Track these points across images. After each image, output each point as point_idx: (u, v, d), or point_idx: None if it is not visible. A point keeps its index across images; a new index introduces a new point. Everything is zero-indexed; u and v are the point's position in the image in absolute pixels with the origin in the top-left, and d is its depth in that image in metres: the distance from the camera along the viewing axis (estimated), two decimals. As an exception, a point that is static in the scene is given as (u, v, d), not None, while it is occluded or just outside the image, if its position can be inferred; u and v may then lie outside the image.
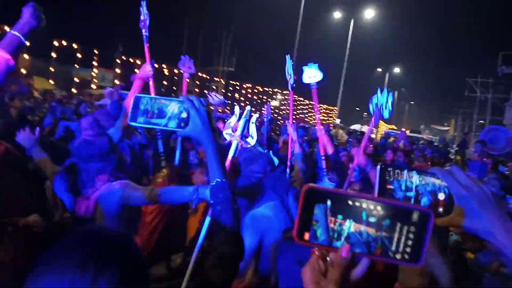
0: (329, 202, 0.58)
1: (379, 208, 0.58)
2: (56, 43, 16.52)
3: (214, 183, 1.08)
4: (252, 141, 2.69)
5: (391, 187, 0.67)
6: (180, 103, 0.95)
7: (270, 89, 28.11)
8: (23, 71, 14.55)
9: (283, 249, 1.09)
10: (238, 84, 25.32)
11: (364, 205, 0.58)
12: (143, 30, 3.32)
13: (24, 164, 3.85)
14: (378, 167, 0.68)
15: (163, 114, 0.93)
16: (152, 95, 1.00)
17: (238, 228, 1.09)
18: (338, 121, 26.00)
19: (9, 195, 3.33)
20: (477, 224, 0.65)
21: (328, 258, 0.61)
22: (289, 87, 4.05)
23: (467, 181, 0.67)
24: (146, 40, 3.38)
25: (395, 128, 31.85)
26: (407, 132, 20.38)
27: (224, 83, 25.07)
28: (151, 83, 3.23)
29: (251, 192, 2.44)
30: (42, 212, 3.52)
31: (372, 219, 0.58)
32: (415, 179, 0.68)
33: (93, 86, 16.76)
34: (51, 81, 15.02)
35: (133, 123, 0.94)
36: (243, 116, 2.63)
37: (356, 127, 24.88)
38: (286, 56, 3.87)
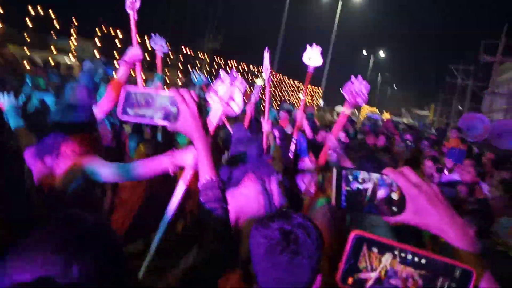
0: (377, 251, 0.60)
1: (423, 261, 0.60)
2: (31, 11, 15.71)
3: (204, 182, 1.06)
4: (236, 107, 2.64)
5: (348, 188, 0.69)
6: (170, 97, 0.94)
7: (255, 67, 27.78)
8: (-4, 39, 13.83)
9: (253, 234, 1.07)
10: (223, 61, 24.89)
11: (410, 257, 0.60)
12: (131, 13, 3.08)
13: (5, 142, 3.74)
14: (334, 170, 0.70)
15: (153, 108, 0.93)
16: (141, 86, 0.95)
17: (227, 226, 1.07)
18: (321, 102, 26.07)
19: None
20: (428, 221, 0.69)
21: None
22: (265, 81, 3.93)
23: (417, 179, 0.70)
24: (134, 23, 3.14)
25: (377, 111, 32.27)
26: (388, 115, 20.69)
27: (208, 60, 24.57)
28: (138, 66, 3.08)
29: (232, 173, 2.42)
30: (20, 197, 3.46)
31: (415, 272, 0.60)
32: (370, 179, 0.70)
33: (72, 58, 16.11)
34: (27, 51, 14.33)
35: (123, 117, 0.93)
36: (226, 80, 2.57)
37: (339, 108, 25.03)
38: (265, 51, 3.73)
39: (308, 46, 3.89)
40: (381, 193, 0.70)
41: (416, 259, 0.61)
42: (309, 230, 1.03)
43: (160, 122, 0.95)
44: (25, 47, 14.31)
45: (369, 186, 0.69)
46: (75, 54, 17.75)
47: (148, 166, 1.87)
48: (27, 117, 4.02)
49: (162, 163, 1.75)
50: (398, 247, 0.61)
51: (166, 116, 0.94)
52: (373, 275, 0.61)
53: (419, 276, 0.60)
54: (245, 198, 2.11)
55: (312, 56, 3.92)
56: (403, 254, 0.61)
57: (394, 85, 52.50)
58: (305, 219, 1.05)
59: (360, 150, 4.16)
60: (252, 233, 1.06)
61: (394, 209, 0.69)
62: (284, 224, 1.03)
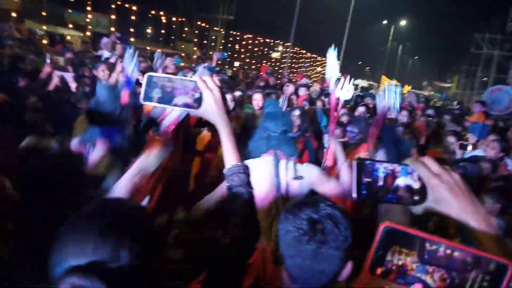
0: (406, 241, 0.60)
1: (456, 253, 0.59)
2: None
3: (230, 167, 1.06)
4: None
5: (368, 179, 0.70)
6: (193, 83, 0.94)
7: (271, 40, 27.20)
8: (14, 14, 13.91)
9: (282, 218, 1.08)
10: (238, 34, 24.42)
11: (442, 249, 0.60)
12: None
13: (21, 114, 3.81)
14: (354, 162, 0.71)
15: (176, 93, 0.93)
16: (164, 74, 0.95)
17: (253, 210, 1.09)
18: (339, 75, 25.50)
19: (3, 146, 3.34)
20: (449, 209, 0.70)
21: None
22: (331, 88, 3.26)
23: (437, 169, 0.72)
24: None
25: (397, 83, 31.39)
26: (409, 88, 20.11)
27: (223, 32, 24.16)
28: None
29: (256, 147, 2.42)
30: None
31: (447, 263, 0.59)
32: (391, 170, 0.71)
33: (88, 33, 16.11)
34: (44, 26, 14.39)
35: (145, 102, 0.92)
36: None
37: (358, 82, 24.46)
38: (330, 48, 3.21)
39: (342, 77, 3.65)
40: (402, 182, 0.70)
41: (448, 251, 0.60)
42: (337, 219, 1.02)
43: (183, 108, 0.95)
44: (43, 25, 14.35)
45: (389, 176, 0.71)
46: (90, 28, 17.76)
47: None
48: (47, 95, 4.09)
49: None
50: (429, 239, 0.60)
51: (189, 102, 0.94)
52: (402, 267, 0.61)
53: (449, 269, 0.59)
54: (258, 175, 2.10)
55: (346, 89, 3.74)
56: (434, 246, 0.60)
57: (415, 56, 50.71)
58: (334, 208, 1.04)
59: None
60: (280, 220, 1.07)
61: (416, 198, 0.70)
62: (312, 213, 1.03)
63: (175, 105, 0.94)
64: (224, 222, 1.06)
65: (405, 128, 4.76)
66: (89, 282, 0.69)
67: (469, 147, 4.81)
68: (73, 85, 4.35)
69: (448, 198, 0.70)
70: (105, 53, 6.15)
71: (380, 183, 0.70)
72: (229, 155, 1.07)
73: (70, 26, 17.26)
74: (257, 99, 4.52)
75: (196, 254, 1.12)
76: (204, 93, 0.95)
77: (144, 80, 0.92)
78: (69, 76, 4.51)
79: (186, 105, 0.94)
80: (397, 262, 0.61)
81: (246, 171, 1.07)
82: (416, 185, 0.71)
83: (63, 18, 17.73)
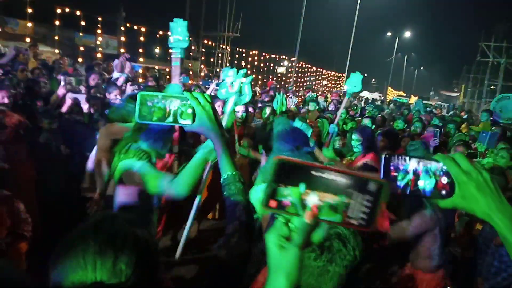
0: (296, 172, 0.64)
1: (340, 178, 0.64)
2: (59, 10, 16.16)
3: (225, 176, 1.10)
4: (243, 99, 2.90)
5: (396, 174, 0.72)
6: (184, 100, 0.98)
7: (277, 55, 27.53)
8: (28, 39, 14.33)
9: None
10: (244, 51, 24.79)
11: (327, 176, 0.64)
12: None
13: (36, 135, 3.91)
14: (383, 156, 0.73)
15: (169, 111, 0.96)
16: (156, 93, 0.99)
17: (251, 217, 1.11)
18: (345, 87, 25.57)
19: (18, 165, 3.44)
20: (475, 206, 0.71)
21: (291, 224, 0.67)
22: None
23: (468, 166, 0.72)
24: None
25: (404, 94, 31.32)
26: (416, 99, 20.06)
27: (229, 50, 24.54)
28: None
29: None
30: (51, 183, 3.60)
31: (333, 188, 0.64)
32: (419, 164, 0.73)
33: (98, 55, 16.52)
34: (56, 50, 14.82)
35: (141, 121, 0.96)
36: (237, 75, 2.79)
37: (364, 94, 24.49)
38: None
39: (351, 73, 3.75)
40: (430, 177, 0.72)
41: (332, 176, 0.64)
42: (346, 239, 1.02)
43: (177, 124, 0.98)
44: (55, 49, 14.77)
45: (417, 170, 0.72)
46: (101, 50, 18.19)
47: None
48: (60, 116, 4.20)
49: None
50: (315, 167, 0.64)
51: (183, 118, 0.98)
52: (294, 195, 0.64)
53: (336, 191, 0.64)
54: None
55: (356, 83, 3.82)
56: (320, 173, 0.64)
57: (421, 67, 50.67)
58: (344, 228, 1.04)
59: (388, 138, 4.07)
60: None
61: (443, 193, 0.72)
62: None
63: (170, 122, 0.97)
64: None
65: (412, 139, 4.76)
66: None
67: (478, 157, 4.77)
68: (85, 106, 4.41)
69: (476, 195, 0.70)
70: (115, 74, 6.29)
71: (408, 177, 0.72)
72: (225, 165, 1.10)
73: (82, 49, 17.71)
74: (268, 113, 4.82)
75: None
76: (196, 109, 0.99)
77: (137, 100, 0.95)
78: (81, 98, 4.58)
79: (181, 122, 0.98)
80: (290, 193, 0.64)
81: (241, 179, 1.10)
82: (444, 180, 0.72)
83: (74, 41, 18.18)
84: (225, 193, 1.11)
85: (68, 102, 4.26)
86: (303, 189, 0.64)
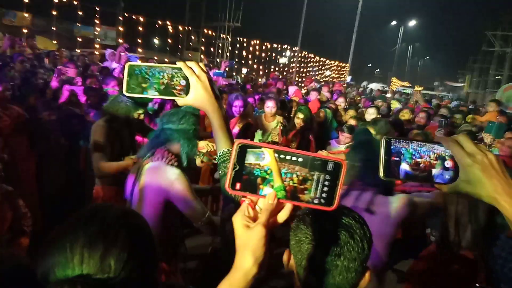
0: (258, 155, 0.66)
1: (300, 159, 0.66)
2: (56, 0, 15.97)
3: (221, 153, 1.03)
4: None
5: (397, 158, 0.70)
6: (177, 70, 0.89)
7: (278, 45, 27.19)
8: (25, 30, 14.20)
9: None
10: (245, 40, 24.45)
11: (288, 157, 0.66)
12: None
13: (35, 128, 3.85)
14: (383, 140, 0.71)
15: (161, 82, 0.87)
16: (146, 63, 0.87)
17: None
18: (349, 78, 25.29)
19: (19, 158, 3.40)
20: (481, 190, 0.68)
21: (257, 206, 0.69)
22: None
23: (472, 148, 0.69)
24: None
25: (408, 84, 30.96)
26: (420, 89, 19.76)
27: (230, 40, 24.24)
28: None
29: None
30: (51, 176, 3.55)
31: (294, 169, 0.66)
32: (421, 148, 0.71)
33: (96, 45, 16.34)
34: (54, 41, 14.67)
35: (128, 94, 0.86)
36: None
37: (371, 85, 24.18)
38: None
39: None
40: (432, 161, 0.70)
41: (293, 158, 0.66)
42: (352, 230, 0.96)
43: (170, 97, 0.89)
44: (53, 40, 14.63)
45: (419, 154, 0.70)
46: (99, 41, 18.02)
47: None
48: (58, 108, 4.11)
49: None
50: (276, 149, 0.66)
51: (175, 90, 0.89)
52: (257, 178, 0.66)
53: (297, 172, 0.66)
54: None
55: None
56: (282, 155, 0.66)
57: (425, 56, 50.11)
58: (350, 218, 0.98)
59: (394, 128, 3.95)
60: (293, 228, 1.01)
61: (447, 177, 0.70)
62: (326, 223, 0.97)
63: (161, 94, 0.88)
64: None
65: (419, 129, 4.61)
66: None
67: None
68: (82, 98, 4.38)
69: (481, 178, 0.67)
70: (113, 64, 6.22)
71: (409, 161, 0.70)
72: (221, 141, 1.04)
73: (79, 39, 17.56)
74: (270, 106, 4.54)
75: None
76: (191, 80, 0.89)
77: (125, 71, 0.86)
78: (78, 89, 4.55)
79: (172, 93, 0.88)
80: (252, 175, 0.66)
81: None
82: (447, 164, 0.70)
83: (72, 33, 18.05)
84: (220, 172, 1.04)
85: (65, 94, 4.21)
86: (266, 170, 0.65)
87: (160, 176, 1.90)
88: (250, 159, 0.65)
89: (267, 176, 0.66)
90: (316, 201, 0.67)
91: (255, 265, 0.65)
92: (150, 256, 0.80)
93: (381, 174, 0.69)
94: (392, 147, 0.70)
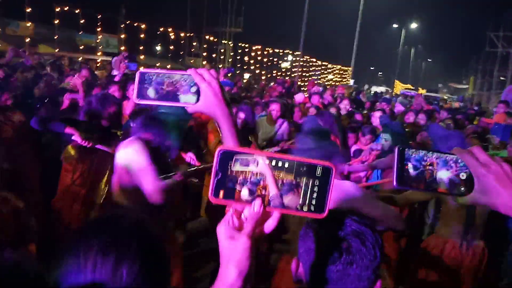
0: (241, 161, 0.63)
1: (286, 164, 0.63)
2: (57, 9, 16.08)
3: None
4: None
5: (410, 167, 0.68)
6: (187, 77, 0.89)
7: (280, 50, 27.20)
8: (27, 39, 14.29)
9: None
10: (247, 46, 24.47)
11: (273, 163, 0.63)
12: None
13: (38, 136, 3.83)
14: (396, 149, 0.70)
15: (171, 89, 0.88)
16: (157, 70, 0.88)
17: None
18: (351, 82, 25.22)
19: (23, 166, 3.38)
20: (496, 200, 0.66)
21: (242, 215, 0.66)
22: None
23: (486, 159, 0.68)
24: None
25: (411, 87, 30.83)
26: (423, 92, 19.69)
27: (232, 45, 24.27)
28: None
29: None
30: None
31: (281, 176, 0.63)
32: (435, 158, 0.69)
33: (98, 53, 16.41)
34: (57, 50, 14.76)
35: (139, 101, 0.87)
36: None
37: (373, 88, 24.08)
38: None
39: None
40: (446, 172, 0.69)
41: (279, 163, 0.63)
42: (364, 237, 0.92)
43: (180, 104, 0.89)
44: (56, 49, 14.72)
45: (434, 164, 0.69)
46: (100, 48, 18.10)
47: None
48: (61, 114, 4.10)
49: None
50: (261, 155, 0.63)
51: (186, 97, 0.89)
52: (241, 185, 0.63)
53: (283, 178, 0.63)
54: None
55: None
56: (266, 161, 0.63)
57: (428, 59, 49.98)
58: (361, 224, 0.95)
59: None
60: (301, 236, 0.98)
61: (461, 188, 0.69)
62: (337, 231, 0.93)
63: (171, 101, 0.88)
64: None
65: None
66: None
67: (491, 149, 4.56)
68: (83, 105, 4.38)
69: (496, 189, 0.66)
70: (114, 72, 6.26)
71: (424, 171, 0.68)
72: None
73: (81, 47, 17.66)
74: (275, 109, 4.50)
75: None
76: (201, 87, 0.89)
77: (136, 78, 0.87)
78: (79, 97, 4.55)
79: (183, 101, 0.89)
80: (236, 182, 0.63)
81: None
82: (462, 176, 0.69)
83: (74, 41, 18.17)
84: None
85: (66, 102, 4.23)
86: (253, 177, 0.63)
87: None
88: (237, 165, 0.63)
89: (252, 184, 0.63)
90: (305, 208, 0.64)
91: (239, 278, 0.62)
92: (162, 268, 0.80)
93: (394, 182, 0.68)
94: (406, 156, 0.69)
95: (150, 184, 2.11)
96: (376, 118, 4.89)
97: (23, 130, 3.52)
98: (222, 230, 0.65)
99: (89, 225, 0.81)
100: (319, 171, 0.63)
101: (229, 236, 0.64)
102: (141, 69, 0.89)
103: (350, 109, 6.20)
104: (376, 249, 0.92)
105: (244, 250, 0.62)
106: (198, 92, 0.89)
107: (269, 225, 0.66)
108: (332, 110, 5.84)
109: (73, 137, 2.97)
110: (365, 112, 6.83)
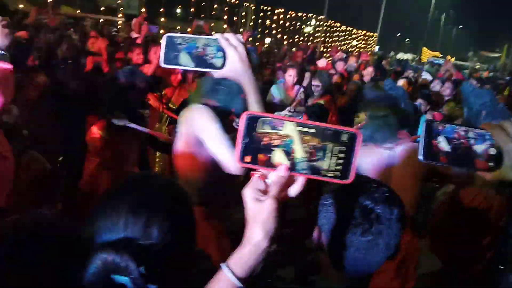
0: (268, 126, 0.63)
1: (313, 130, 0.63)
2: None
3: None
4: None
5: (438, 141, 0.68)
6: (214, 41, 0.90)
7: (304, 14, 26.23)
8: (49, 0, 14.26)
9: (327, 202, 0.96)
10: (269, 9, 23.68)
11: (299, 128, 0.63)
12: None
13: (65, 95, 3.90)
14: (425, 122, 0.69)
15: (198, 53, 0.89)
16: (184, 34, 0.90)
17: None
18: (377, 48, 24.27)
19: (48, 126, 3.46)
20: None
21: (267, 179, 0.67)
22: None
23: None
24: None
25: (440, 55, 29.45)
26: (452, 60, 18.79)
27: (254, 8, 23.55)
28: None
29: None
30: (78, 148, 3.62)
31: (306, 141, 0.63)
32: (464, 133, 0.68)
33: (119, 15, 16.28)
34: (78, 11, 14.72)
35: (166, 65, 0.89)
36: None
37: (400, 56, 23.17)
38: None
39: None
40: (475, 147, 0.68)
41: (306, 129, 0.63)
42: (392, 205, 0.90)
43: (206, 69, 0.91)
44: (78, 10, 14.67)
45: (462, 139, 0.68)
46: (122, 10, 17.93)
47: None
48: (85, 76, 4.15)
49: None
50: (288, 120, 0.63)
51: (212, 62, 0.90)
52: (267, 149, 0.64)
53: (309, 144, 0.63)
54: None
55: None
56: (292, 127, 0.63)
57: (460, 25, 47.26)
58: (387, 192, 0.92)
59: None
60: (323, 205, 0.96)
61: (490, 164, 0.68)
62: (364, 200, 0.90)
63: (198, 66, 0.90)
64: None
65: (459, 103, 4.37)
66: (119, 259, 0.69)
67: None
68: (105, 69, 4.42)
69: None
70: (133, 34, 6.19)
71: (452, 146, 0.68)
72: None
73: (102, 9, 17.55)
74: (292, 74, 4.40)
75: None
76: (227, 51, 0.90)
77: (163, 42, 0.88)
78: (101, 60, 4.57)
79: (209, 66, 0.90)
80: (262, 147, 0.64)
81: None
82: (491, 151, 0.68)
83: (95, 2, 18.04)
84: None
85: (89, 65, 4.31)
86: (281, 142, 0.63)
87: None
88: (263, 130, 0.63)
89: (279, 148, 0.64)
90: (330, 174, 0.64)
91: (265, 238, 0.64)
92: (190, 227, 0.84)
93: (420, 156, 0.68)
94: (434, 130, 0.68)
95: (228, 153, 1.88)
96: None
97: (47, 91, 3.53)
98: (248, 192, 0.66)
99: (119, 185, 0.83)
100: (344, 137, 0.63)
101: (255, 198, 0.65)
102: (169, 33, 0.89)
103: (373, 76, 6.02)
104: (403, 216, 0.91)
105: (270, 211, 0.64)
106: (224, 57, 0.90)
107: (294, 189, 0.67)
108: (355, 78, 5.70)
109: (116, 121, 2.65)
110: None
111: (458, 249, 2.43)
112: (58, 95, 3.70)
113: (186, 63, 0.88)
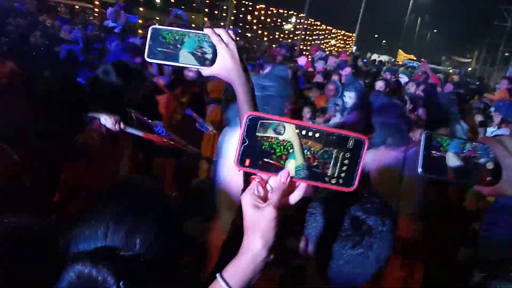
0: (270, 129, 0.60)
1: (316, 134, 0.60)
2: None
3: None
4: None
5: (437, 154, 0.67)
6: (204, 37, 0.83)
7: (284, 10, 26.27)
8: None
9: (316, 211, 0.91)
10: (250, 4, 23.57)
11: (302, 132, 0.60)
12: None
13: (34, 87, 3.71)
14: (424, 135, 0.68)
15: (185, 49, 0.83)
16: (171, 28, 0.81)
17: None
18: (354, 48, 24.64)
19: (14, 122, 3.29)
20: None
21: (267, 184, 0.64)
22: None
23: None
24: None
25: (414, 58, 30.27)
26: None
27: (235, 2, 23.36)
28: None
29: None
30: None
31: (310, 146, 0.60)
32: (462, 147, 0.68)
33: (96, 2, 15.72)
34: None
35: (150, 60, 0.82)
36: None
37: (374, 57, 23.59)
38: None
39: None
40: (474, 160, 0.68)
41: (309, 133, 0.60)
42: (384, 217, 0.86)
43: (194, 66, 0.84)
44: None
45: (462, 153, 0.68)
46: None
47: None
48: (59, 69, 3.98)
49: None
50: (290, 123, 0.60)
51: (201, 59, 0.84)
52: (268, 153, 0.61)
53: (314, 149, 0.61)
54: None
55: None
56: (296, 130, 0.60)
57: (434, 29, 48.73)
58: (379, 203, 0.88)
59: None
60: (311, 214, 0.91)
61: (489, 178, 0.68)
62: (356, 210, 0.86)
63: (185, 62, 0.83)
64: None
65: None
66: (96, 272, 0.62)
67: (492, 126, 4.56)
68: (81, 57, 4.28)
69: None
70: (110, 23, 5.99)
71: (450, 159, 0.67)
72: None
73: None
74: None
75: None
76: (218, 48, 0.83)
77: (148, 34, 0.81)
78: (77, 48, 4.41)
79: (197, 62, 0.83)
80: (263, 151, 0.61)
81: None
82: (490, 165, 0.68)
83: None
84: None
85: (63, 54, 4.20)
86: (282, 146, 0.61)
87: None
88: (264, 133, 0.60)
89: (279, 153, 0.61)
90: (333, 180, 0.62)
91: (264, 248, 0.61)
92: (177, 241, 0.78)
93: (419, 169, 0.67)
94: (433, 143, 0.67)
95: None
96: (379, 88, 4.82)
97: (18, 80, 3.39)
98: (247, 198, 0.63)
99: (102, 189, 0.77)
100: (350, 143, 0.61)
101: (254, 205, 0.62)
102: (154, 26, 0.82)
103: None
104: (395, 226, 0.87)
105: (270, 220, 0.60)
106: (214, 54, 0.84)
107: (295, 196, 0.64)
108: (335, 77, 5.75)
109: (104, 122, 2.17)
110: (367, 81, 6.74)
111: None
112: (30, 85, 3.58)
113: (171, 59, 0.82)
